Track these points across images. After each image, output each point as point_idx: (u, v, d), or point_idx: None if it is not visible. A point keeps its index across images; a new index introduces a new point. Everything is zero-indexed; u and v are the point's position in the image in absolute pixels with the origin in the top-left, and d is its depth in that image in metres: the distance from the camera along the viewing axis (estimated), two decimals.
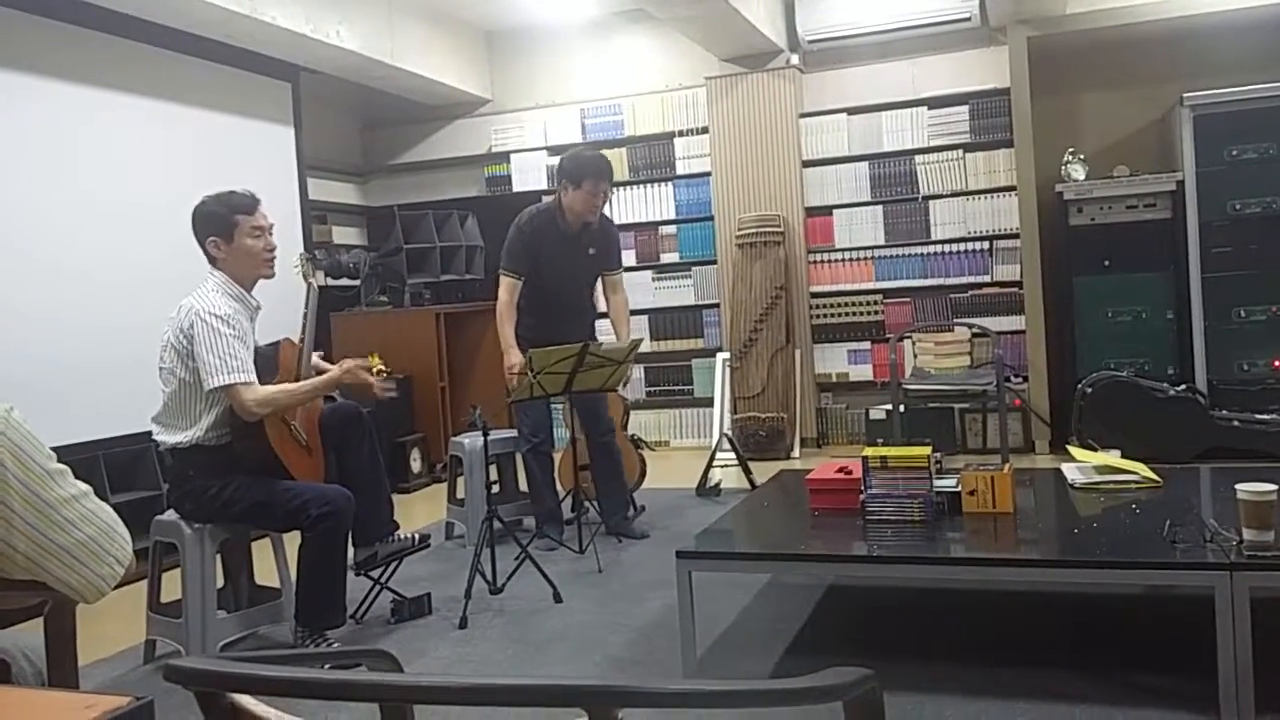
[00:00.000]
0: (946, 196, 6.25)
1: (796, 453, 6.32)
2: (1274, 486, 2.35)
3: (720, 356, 6.52)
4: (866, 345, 6.46)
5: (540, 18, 6.90)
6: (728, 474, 5.49)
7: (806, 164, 6.49)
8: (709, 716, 2.13)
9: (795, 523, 3.24)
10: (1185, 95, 5.53)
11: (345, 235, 7.24)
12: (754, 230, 6.42)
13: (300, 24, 5.25)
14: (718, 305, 6.72)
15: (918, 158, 6.29)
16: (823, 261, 6.52)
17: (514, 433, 4.74)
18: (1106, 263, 5.73)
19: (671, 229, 6.87)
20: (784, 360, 6.37)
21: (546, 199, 4.70)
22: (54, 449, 1.70)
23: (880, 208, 6.39)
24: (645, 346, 6.66)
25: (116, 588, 1.76)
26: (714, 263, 6.72)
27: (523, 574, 3.81)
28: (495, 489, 4.73)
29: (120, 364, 4.43)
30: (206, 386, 3.09)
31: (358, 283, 6.58)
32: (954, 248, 6.25)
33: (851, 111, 6.42)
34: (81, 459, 3.97)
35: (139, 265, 4.73)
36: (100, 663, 3.34)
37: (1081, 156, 5.89)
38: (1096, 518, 3.01)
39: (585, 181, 4.31)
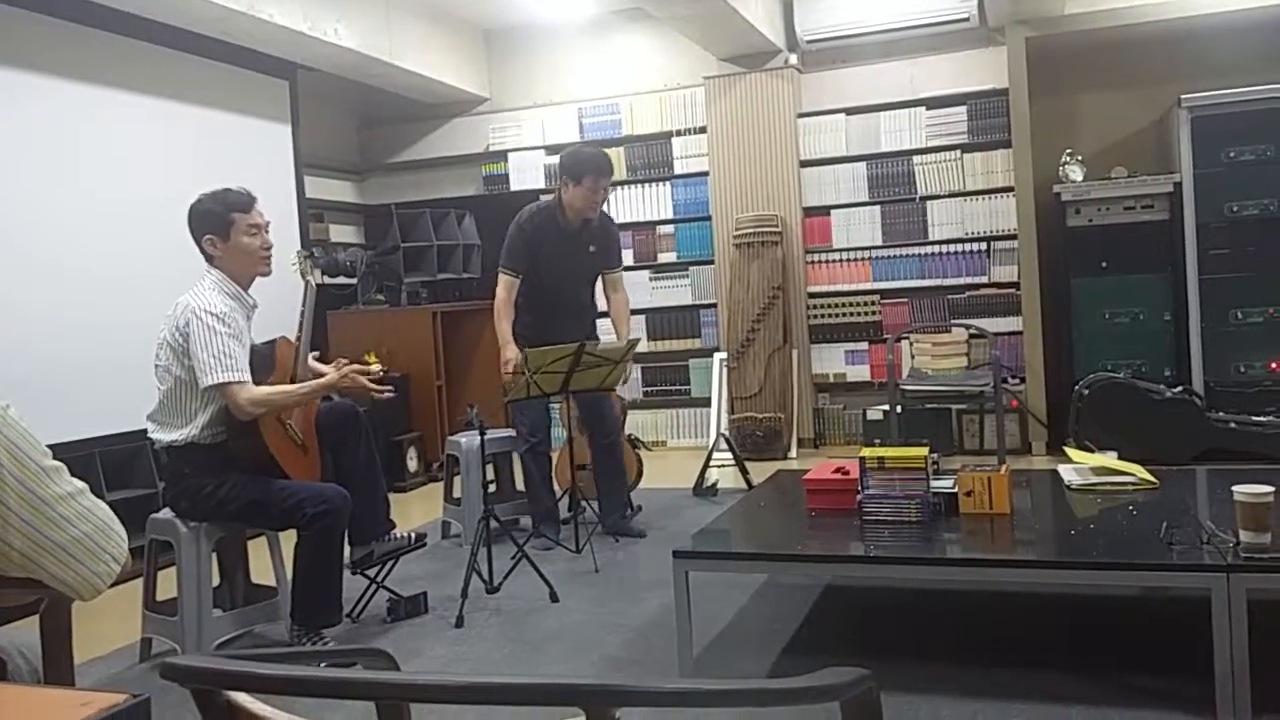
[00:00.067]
0: (944, 197, 6.25)
1: (793, 453, 6.32)
2: (1271, 488, 2.36)
3: (717, 356, 6.50)
4: (864, 346, 6.46)
5: (538, 16, 6.90)
6: (725, 474, 5.49)
7: (804, 164, 6.49)
8: (706, 716, 2.12)
9: (792, 523, 3.24)
10: (1183, 96, 5.54)
11: (342, 233, 7.23)
12: (751, 230, 6.42)
13: (298, 21, 5.25)
14: (715, 305, 6.72)
15: (916, 158, 6.29)
16: (820, 262, 6.53)
17: (510, 432, 4.74)
18: (1104, 264, 5.74)
19: (669, 229, 6.87)
20: (781, 360, 6.37)
21: (544, 197, 4.70)
22: (50, 446, 1.69)
23: (878, 208, 6.39)
24: (642, 346, 6.66)
25: (112, 586, 1.75)
26: (711, 263, 6.72)
27: (519, 573, 3.81)
28: (492, 488, 4.72)
29: (117, 362, 4.43)
30: (201, 385, 3.09)
31: (355, 281, 6.58)
32: (951, 248, 6.26)
33: (850, 112, 6.42)
34: (78, 456, 3.96)
35: (137, 263, 4.72)
36: (96, 661, 3.33)
37: (1079, 157, 5.89)
38: (1093, 519, 3.01)
39: (585, 178, 4.31)
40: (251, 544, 3.59)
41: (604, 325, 4.75)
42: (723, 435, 5.81)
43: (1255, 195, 5.45)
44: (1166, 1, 5.64)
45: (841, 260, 6.49)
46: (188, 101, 5.25)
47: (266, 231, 3.31)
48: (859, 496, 3.00)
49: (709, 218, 6.70)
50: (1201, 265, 5.53)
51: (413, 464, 6.10)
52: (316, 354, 3.58)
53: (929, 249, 6.30)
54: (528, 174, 7.10)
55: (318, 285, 3.51)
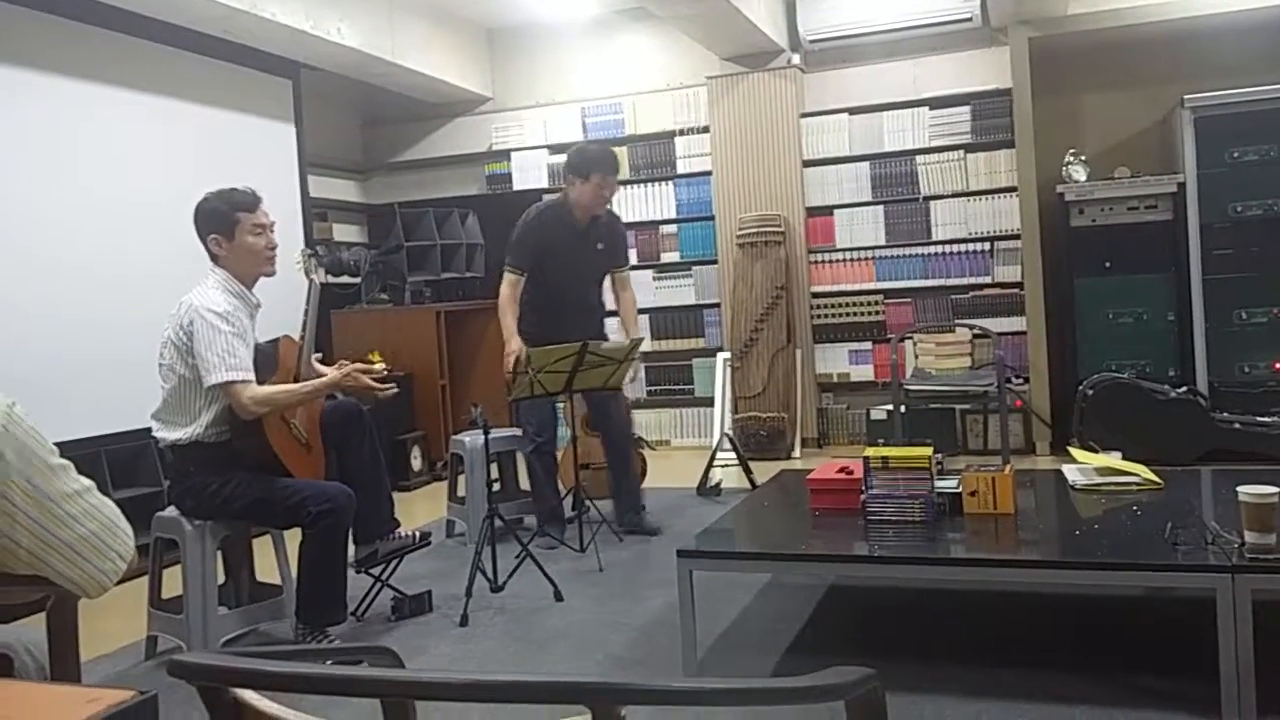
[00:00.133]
0: (947, 197, 6.25)
1: (797, 453, 6.32)
2: (1275, 489, 2.35)
3: (721, 356, 6.52)
4: (867, 345, 6.46)
5: (541, 16, 6.90)
6: (728, 474, 5.49)
7: (807, 164, 6.49)
8: (710, 715, 2.13)
9: (796, 523, 3.24)
10: (1186, 97, 5.53)
11: (346, 232, 7.23)
12: (755, 230, 6.42)
13: (301, 20, 5.25)
14: (718, 305, 6.71)
15: (919, 158, 6.29)
16: (823, 261, 6.52)
17: (514, 431, 4.74)
18: (1107, 264, 5.73)
19: (672, 228, 6.87)
20: (785, 360, 6.37)
21: (547, 196, 4.71)
22: (55, 445, 1.70)
23: (881, 208, 6.38)
24: (646, 346, 6.66)
25: (118, 583, 1.76)
26: (715, 262, 6.72)
27: (523, 572, 3.81)
28: (496, 487, 4.73)
29: (121, 360, 4.43)
30: (205, 384, 3.09)
31: (358, 280, 6.58)
32: (955, 248, 6.25)
33: (853, 111, 6.41)
34: (83, 455, 3.96)
35: (139, 262, 4.72)
36: (101, 659, 3.34)
37: (1083, 157, 5.89)
38: (1097, 519, 3.01)
39: (593, 175, 4.31)
40: (256, 542, 3.59)
41: (612, 324, 4.75)
42: (726, 435, 5.82)
43: (1259, 195, 5.44)
44: (1170, 1, 5.64)
45: (845, 260, 6.48)
46: (191, 100, 5.26)
47: (271, 231, 3.31)
48: (863, 496, 3.00)
49: (712, 217, 6.70)
50: (1205, 265, 5.53)
51: (417, 463, 6.11)
52: (319, 356, 3.58)
53: (932, 249, 6.29)
54: (530, 173, 7.10)
55: (321, 284, 3.52)
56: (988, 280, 6.20)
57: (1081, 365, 5.72)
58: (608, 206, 4.51)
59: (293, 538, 3.27)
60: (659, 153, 6.84)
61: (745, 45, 6.29)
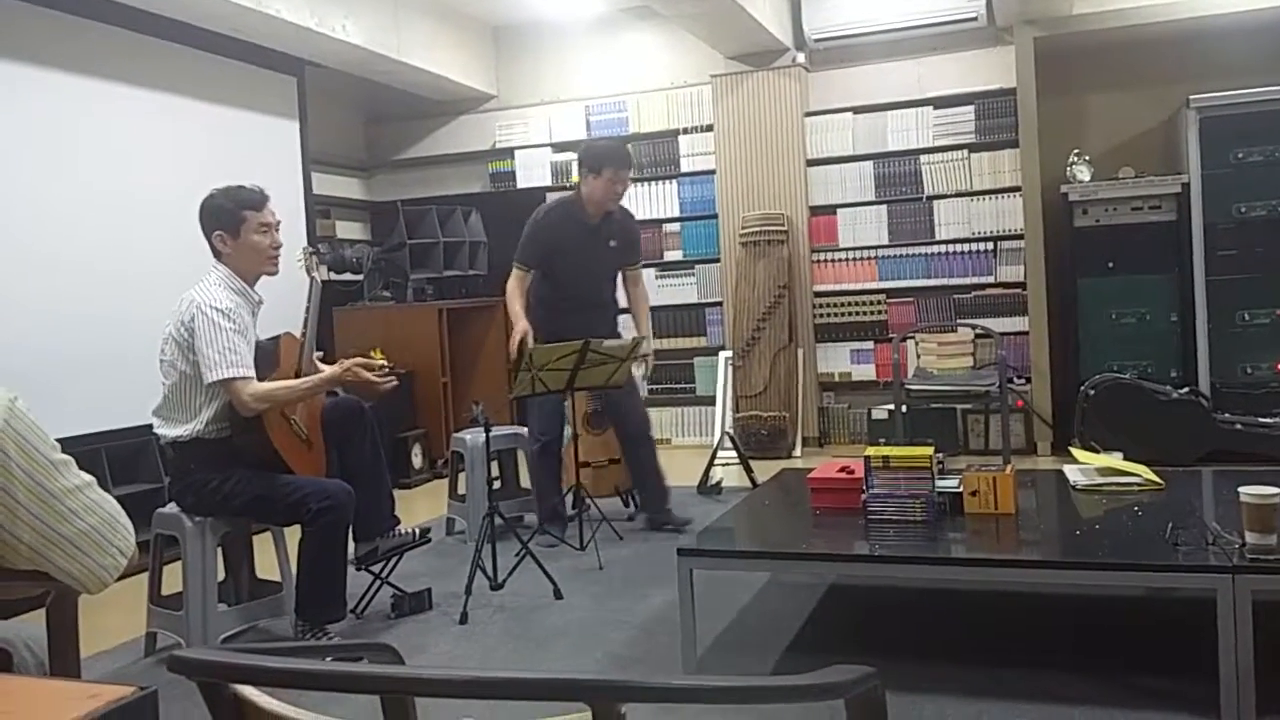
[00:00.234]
0: (951, 197, 6.24)
1: (798, 452, 6.31)
2: (1277, 490, 2.35)
3: (723, 355, 6.52)
4: (869, 345, 6.45)
5: (546, 14, 6.89)
6: (729, 472, 5.49)
7: (811, 163, 6.48)
8: (707, 713, 2.13)
9: (797, 522, 3.24)
10: (1191, 97, 5.53)
11: (349, 230, 7.23)
12: (758, 229, 6.42)
13: (306, 18, 5.25)
14: (721, 303, 6.71)
15: (923, 157, 6.28)
16: (826, 261, 6.52)
17: (515, 429, 4.75)
18: (1111, 264, 5.73)
19: (675, 226, 6.87)
20: (786, 359, 6.37)
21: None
22: (56, 441, 1.70)
23: (884, 207, 6.38)
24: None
25: (118, 580, 1.76)
26: (717, 261, 6.71)
27: (523, 570, 3.81)
28: (496, 485, 4.73)
29: (121, 356, 4.43)
30: (205, 380, 3.09)
31: (361, 277, 6.59)
32: (958, 248, 6.24)
33: (857, 111, 6.41)
34: (83, 451, 3.94)
35: (141, 257, 4.73)
36: (101, 655, 3.34)
37: (1087, 158, 5.88)
38: (1098, 519, 3.01)
39: (605, 170, 4.30)
40: (256, 539, 3.59)
41: (625, 321, 4.75)
42: (727, 434, 5.82)
43: (1263, 196, 5.43)
44: (1175, 2, 5.63)
45: (847, 259, 6.48)
46: (195, 97, 5.26)
47: (277, 231, 3.31)
48: (864, 496, 3.00)
49: (715, 216, 6.69)
50: (1209, 266, 5.52)
51: (418, 460, 6.11)
52: (321, 354, 3.58)
53: (935, 248, 6.29)
54: (534, 171, 7.10)
55: (323, 281, 3.52)
56: (990, 280, 6.19)
57: (1084, 365, 5.71)
58: (620, 203, 4.50)
59: (293, 535, 3.27)
60: (662, 151, 6.84)
61: (750, 44, 6.28)
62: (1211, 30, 5.76)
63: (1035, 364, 5.95)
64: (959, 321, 6.13)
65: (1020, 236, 6.05)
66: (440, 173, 7.46)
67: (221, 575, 3.41)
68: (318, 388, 3.31)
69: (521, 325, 4.23)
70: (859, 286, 6.45)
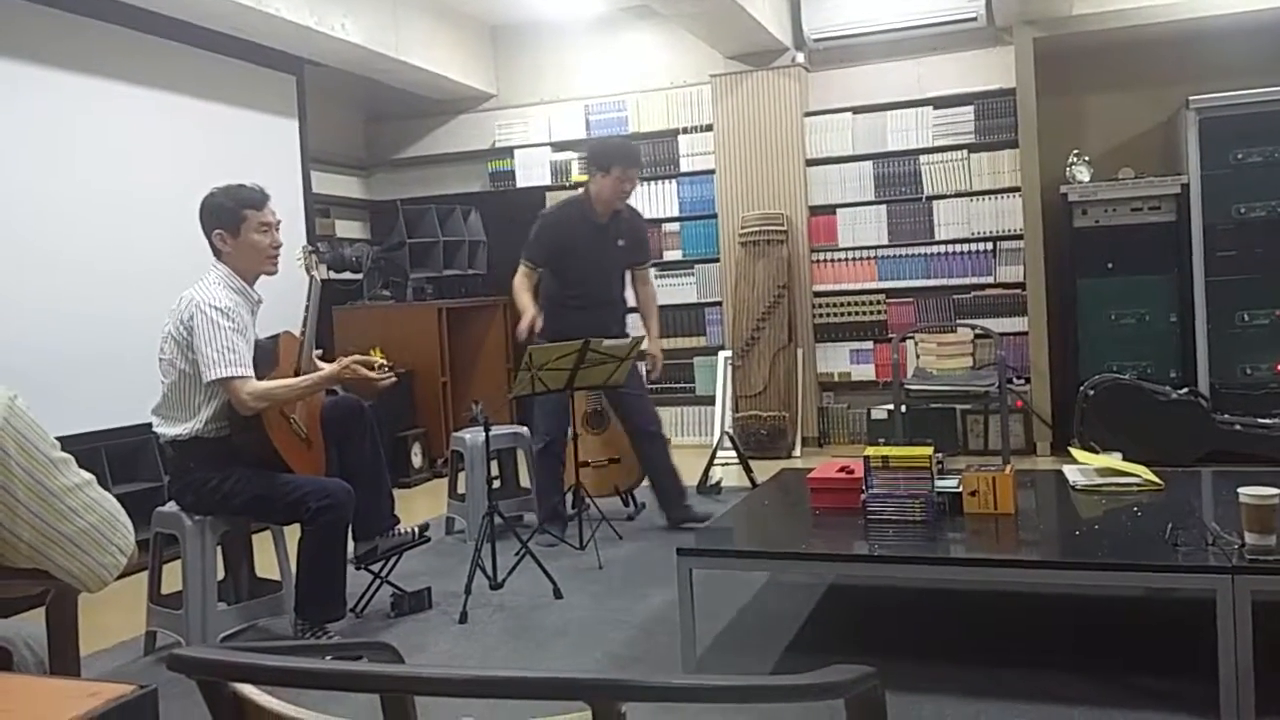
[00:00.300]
0: (950, 197, 6.24)
1: (798, 452, 6.31)
2: (1276, 490, 2.35)
3: (722, 355, 6.52)
4: (869, 345, 6.45)
5: (546, 13, 6.89)
6: (729, 472, 5.49)
7: (810, 163, 6.48)
8: (707, 713, 2.13)
9: (796, 521, 3.24)
10: (1191, 98, 5.53)
11: (348, 229, 7.23)
12: (757, 229, 6.42)
13: (305, 17, 5.25)
14: (720, 303, 6.71)
15: (922, 158, 6.28)
16: (826, 261, 6.52)
17: (515, 428, 4.74)
18: (1110, 265, 5.73)
19: (675, 226, 6.87)
20: (786, 359, 6.37)
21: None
22: (55, 439, 1.70)
23: (884, 207, 6.38)
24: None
25: (117, 578, 1.76)
26: (717, 261, 6.71)
27: (523, 569, 3.81)
28: (496, 484, 4.73)
29: (121, 355, 4.43)
30: (204, 379, 3.09)
31: (360, 277, 6.59)
32: (957, 248, 6.24)
33: (856, 111, 6.41)
34: (82, 450, 3.93)
35: (140, 256, 4.72)
36: (100, 653, 3.34)
37: (1086, 158, 5.88)
38: (1098, 520, 3.01)
39: (614, 168, 4.30)
40: (256, 538, 3.59)
41: (634, 321, 4.75)
42: (727, 433, 5.81)
43: (1263, 197, 5.43)
44: (1175, 2, 5.63)
45: (847, 259, 6.48)
46: (195, 95, 5.25)
47: (277, 230, 3.31)
48: (863, 496, 3.00)
49: (715, 216, 6.69)
50: (1208, 267, 5.52)
51: (417, 460, 6.11)
52: (320, 353, 3.58)
53: (935, 249, 6.29)
54: (534, 170, 7.09)
55: (323, 280, 3.52)
56: (990, 280, 6.19)
57: (1083, 366, 5.71)
58: (629, 201, 4.49)
59: (292, 533, 3.27)
60: (662, 151, 6.83)
61: (749, 44, 6.28)
62: (1211, 31, 5.76)
63: (1035, 364, 5.95)
64: (958, 322, 6.13)
65: (1020, 237, 6.05)
66: (440, 172, 7.46)
67: (221, 574, 3.41)
68: (317, 386, 3.31)
69: (530, 312, 4.22)
70: (858, 286, 6.45)
